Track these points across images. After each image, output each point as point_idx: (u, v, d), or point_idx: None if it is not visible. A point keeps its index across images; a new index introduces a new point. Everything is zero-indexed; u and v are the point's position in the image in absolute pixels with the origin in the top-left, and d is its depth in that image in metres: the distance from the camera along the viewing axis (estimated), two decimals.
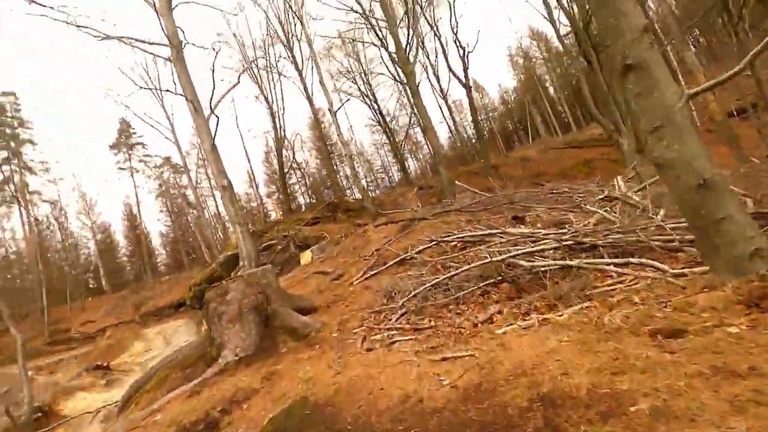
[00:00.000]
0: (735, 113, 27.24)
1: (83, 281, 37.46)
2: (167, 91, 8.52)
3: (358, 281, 6.46)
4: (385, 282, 5.70)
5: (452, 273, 4.83)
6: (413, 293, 4.66)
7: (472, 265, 4.75)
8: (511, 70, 55.37)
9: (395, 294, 5.07)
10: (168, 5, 8.88)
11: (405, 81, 16.75)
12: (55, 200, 34.04)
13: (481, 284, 4.43)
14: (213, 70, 8.34)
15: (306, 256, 10.25)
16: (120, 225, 47.11)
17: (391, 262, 6.48)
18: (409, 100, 24.97)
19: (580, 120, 48.50)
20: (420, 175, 42.33)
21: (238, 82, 9.72)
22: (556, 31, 15.88)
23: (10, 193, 28.72)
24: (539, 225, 6.22)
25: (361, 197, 18.28)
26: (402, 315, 4.43)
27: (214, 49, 8.47)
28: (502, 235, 5.75)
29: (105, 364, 11.80)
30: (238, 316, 4.68)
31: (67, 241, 39.28)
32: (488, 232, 6.09)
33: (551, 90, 54.35)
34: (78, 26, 8.73)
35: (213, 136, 8.44)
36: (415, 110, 24.05)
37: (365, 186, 17.65)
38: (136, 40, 9.01)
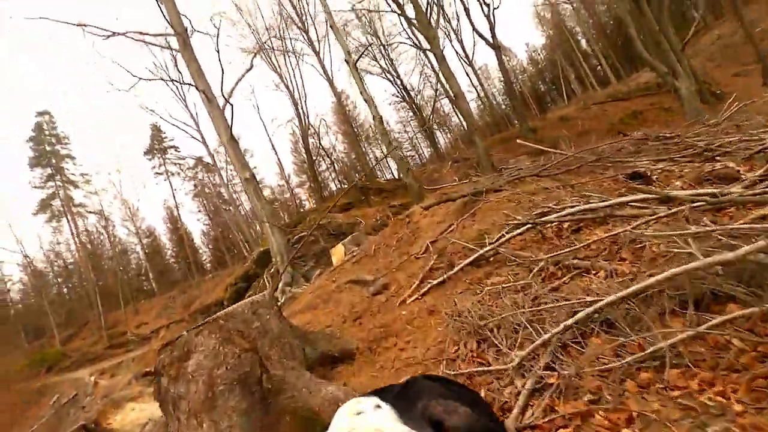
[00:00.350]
0: None
1: (135, 284, 39.19)
2: (173, 80, 7.98)
3: (412, 297, 4.13)
4: (462, 302, 3.29)
5: (606, 298, 2.09)
6: (541, 339, 2.13)
7: (663, 274, 1.94)
8: (538, 26, 51.85)
9: (494, 333, 2.54)
10: None
11: (429, 47, 15.50)
12: (100, 210, 35.33)
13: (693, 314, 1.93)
14: (218, 51, 7.67)
15: (338, 252, 8.72)
16: (163, 227, 48.82)
17: (461, 264, 4.07)
18: (433, 69, 23.65)
19: (618, 71, 45.01)
20: (451, 149, 40.84)
21: (252, 66, 9.07)
22: None
23: (58, 208, 29.98)
24: (678, 184, 3.91)
25: (395, 176, 17.37)
26: (526, 390, 1.94)
27: (215, 26, 7.81)
28: (639, 204, 3.31)
29: (153, 370, 11.77)
30: (209, 401, 2.32)
31: (116, 248, 41.07)
32: (617, 201, 3.45)
33: (583, 43, 50.67)
34: (82, 26, 8.25)
35: (230, 126, 7.85)
36: (442, 78, 22.73)
37: (402, 155, 16.18)
38: (141, 33, 8.46)
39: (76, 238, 31.73)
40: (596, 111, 22.82)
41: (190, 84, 7.76)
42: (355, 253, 7.27)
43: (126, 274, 41.41)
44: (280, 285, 7.60)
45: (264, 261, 8.43)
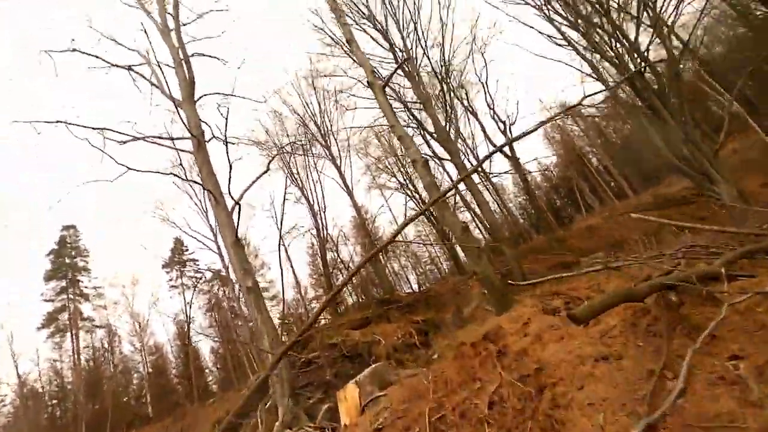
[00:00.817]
0: None
1: (132, 409, 35.79)
2: (179, 178, 7.47)
3: None
4: None
5: None
6: None
7: None
8: (548, 146, 54.56)
9: None
10: (191, 97, 8.25)
11: (449, 158, 15.45)
12: (108, 324, 34.06)
13: None
14: (226, 144, 7.29)
15: (349, 396, 5.57)
16: (171, 343, 46.56)
17: None
18: (451, 179, 23.80)
19: (633, 185, 45.54)
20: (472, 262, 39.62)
21: (268, 169, 8.65)
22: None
23: (64, 322, 28.92)
24: None
25: (414, 289, 15.93)
26: None
27: (222, 114, 7.54)
28: None
29: None
30: None
31: (118, 368, 38.70)
32: None
33: (594, 161, 52.49)
34: (101, 130, 8.10)
35: (236, 228, 7.06)
36: (460, 192, 22.71)
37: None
38: (159, 137, 8.27)
39: (76, 356, 29.88)
40: (624, 221, 21.94)
41: (197, 182, 7.27)
42: (376, 402, 4.69)
43: (126, 395, 38.29)
44: (276, 426, 5.88)
45: (264, 390, 6.86)
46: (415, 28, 16.56)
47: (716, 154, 15.69)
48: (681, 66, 15.26)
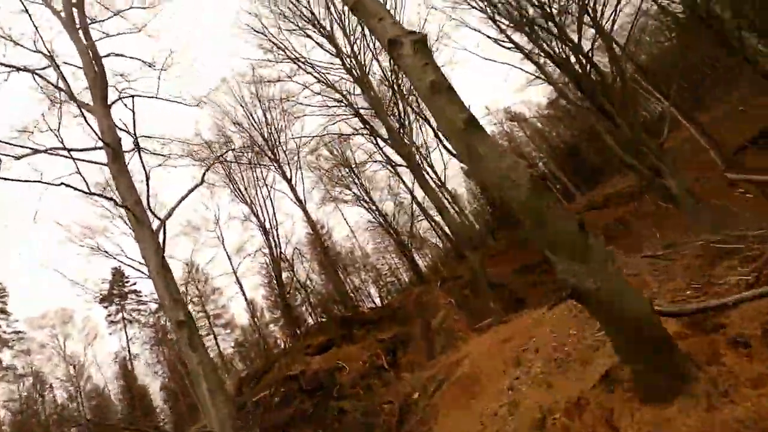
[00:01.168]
0: (748, 144, 25.85)
1: None
2: (75, 190, 6.15)
3: None
4: None
5: None
6: None
7: None
8: None
9: None
10: (103, 101, 7.00)
11: (405, 164, 14.87)
12: (35, 372, 30.22)
13: None
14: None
15: None
16: (113, 385, 42.31)
17: None
18: (410, 191, 23.34)
19: (579, 187, 47.71)
20: (433, 269, 39.36)
21: (203, 181, 7.54)
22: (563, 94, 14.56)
23: None
24: None
25: (377, 304, 15.06)
26: None
27: (131, 108, 6.38)
28: None
29: None
30: None
31: (52, 418, 34.43)
32: None
33: (541, 164, 54.55)
34: None
35: (162, 251, 5.88)
36: (418, 197, 22.23)
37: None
38: (65, 148, 6.93)
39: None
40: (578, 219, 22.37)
41: (111, 199, 6.04)
42: None
43: None
44: None
45: None
46: (363, 34, 16.00)
47: (661, 147, 16.21)
48: (622, 65, 15.70)
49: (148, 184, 6.09)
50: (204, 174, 8.07)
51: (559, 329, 6.10)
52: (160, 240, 6.11)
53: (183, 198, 7.11)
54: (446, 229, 25.12)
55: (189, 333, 5.47)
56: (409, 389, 7.76)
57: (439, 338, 10.47)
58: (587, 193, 38.32)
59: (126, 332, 34.86)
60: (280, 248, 22.60)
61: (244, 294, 27.21)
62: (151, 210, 6.20)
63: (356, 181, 28.37)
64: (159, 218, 6.29)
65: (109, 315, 35.93)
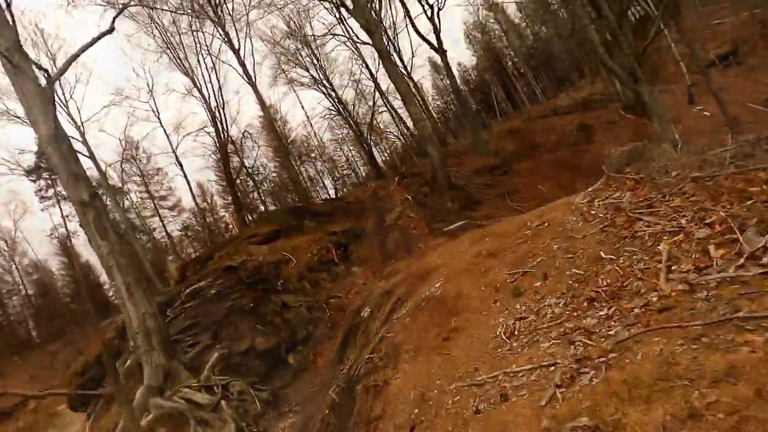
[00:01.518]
0: (716, 61, 25.59)
1: (9, 334, 32.01)
2: None
3: None
4: None
5: None
6: None
7: None
8: (469, 47, 52.61)
9: None
10: None
11: (369, 42, 13.06)
12: None
13: None
14: None
15: None
16: (56, 261, 41.05)
17: None
18: (371, 75, 21.39)
19: (545, 90, 46.67)
20: (391, 166, 38.82)
21: (112, 29, 5.82)
22: None
23: None
24: None
25: (332, 196, 14.46)
26: None
27: None
28: None
29: None
30: None
31: None
32: None
33: (511, 64, 52.20)
34: None
35: (54, 114, 4.55)
36: (379, 86, 20.63)
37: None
38: None
39: None
40: (542, 124, 21.96)
41: None
42: None
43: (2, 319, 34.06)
44: (140, 392, 4.30)
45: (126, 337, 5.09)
46: None
47: (644, 51, 15.33)
48: None
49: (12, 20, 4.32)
50: (114, 18, 6.22)
51: (571, 241, 4.74)
52: (56, 101, 4.71)
53: (84, 48, 5.47)
54: (409, 122, 23.96)
55: (95, 215, 4.49)
56: (359, 302, 7.14)
57: (393, 235, 10.16)
58: (552, 98, 37.60)
59: (61, 208, 32.50)
60: (228, 129, 20.64)
61: (185, 175, 25.45)
62: (36, 64, 4.61)
63: (314, 61, 25.58)
64: (46, 71, 4.74)
65: (40, 190, 33.05)
